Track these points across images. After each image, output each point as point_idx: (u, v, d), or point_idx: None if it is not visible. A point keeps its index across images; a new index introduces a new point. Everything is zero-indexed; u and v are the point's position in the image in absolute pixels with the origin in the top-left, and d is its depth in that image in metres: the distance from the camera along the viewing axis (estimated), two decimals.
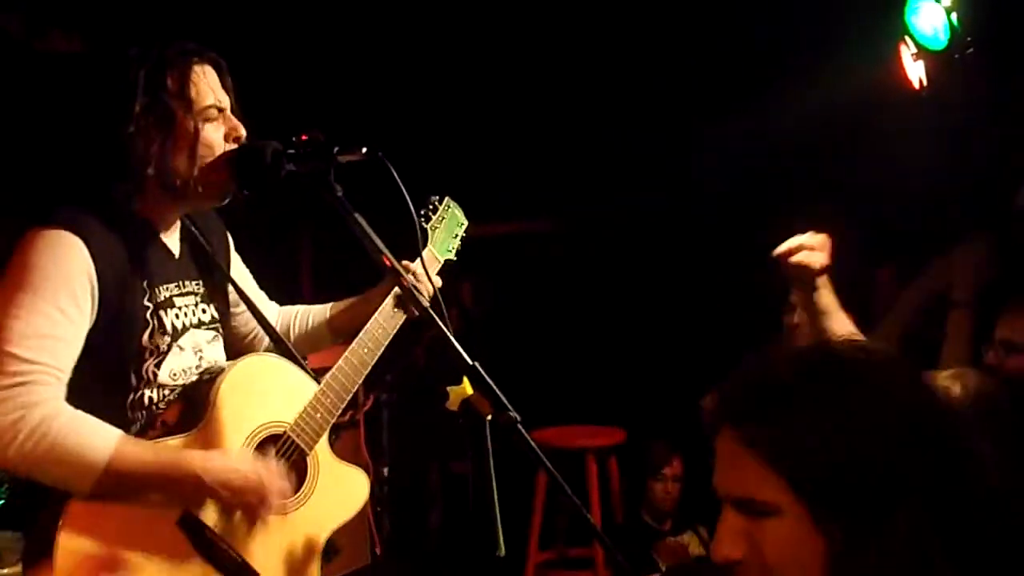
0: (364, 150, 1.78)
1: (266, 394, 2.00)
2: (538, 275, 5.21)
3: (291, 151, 1.83)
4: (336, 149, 1.78)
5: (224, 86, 1.95)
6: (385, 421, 3.94)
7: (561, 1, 4.44)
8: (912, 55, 3.51)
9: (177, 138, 1.87)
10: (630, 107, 4.66)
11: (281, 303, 2.41)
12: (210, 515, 1.88)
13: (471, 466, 4.74)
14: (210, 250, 2.10)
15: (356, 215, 1.77)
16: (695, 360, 4.41)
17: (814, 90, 3.76)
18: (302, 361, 2.13)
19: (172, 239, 2.02)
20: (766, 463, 1.12)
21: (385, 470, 3.93)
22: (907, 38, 3.51)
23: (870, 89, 3.71)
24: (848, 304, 3.72)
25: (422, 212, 2.29)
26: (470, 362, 1.69)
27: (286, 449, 1.99)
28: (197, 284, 2.04)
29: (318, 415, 2.02)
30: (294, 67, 4.33)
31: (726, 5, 4.15)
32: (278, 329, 2.31)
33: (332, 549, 2.89)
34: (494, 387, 1.66)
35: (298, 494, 2.03)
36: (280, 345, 2.18)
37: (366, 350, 2.08)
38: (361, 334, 2.09)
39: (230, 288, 2.17)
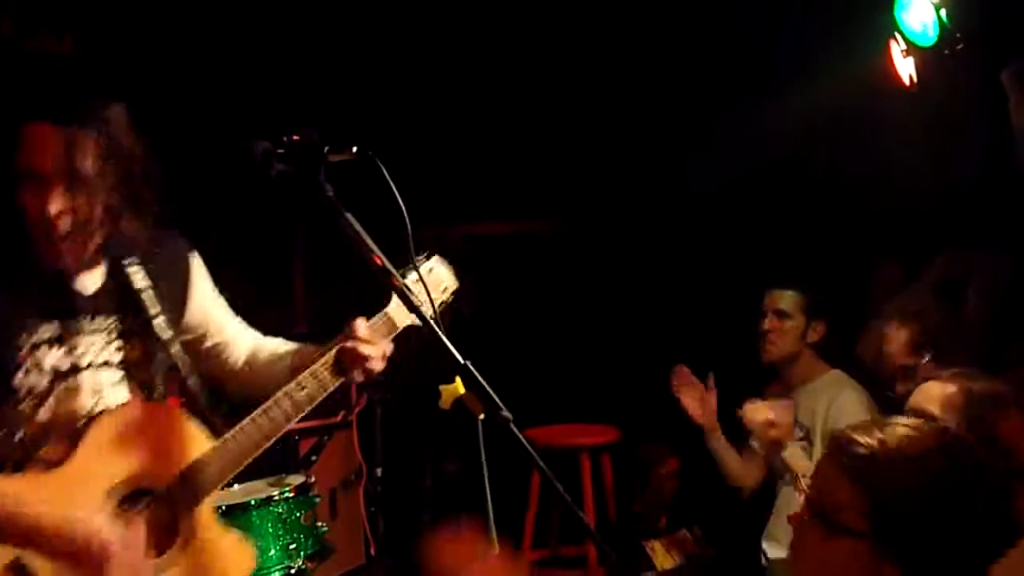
0: (355, 149, 1.76)
1: (146, 444, 1.86)
2: (532, 274, 5.20)
3: (280, 151, 1.79)
4: (327, 148, 1.76)
5: (61, 146, 1.81)
6: (378, 420, 3.93)
7: (557, 2, 4.44)
8: (902, 51, 3.51)
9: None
10: (624, 107, 4.66)
11: (275, 306, 2.35)
12: (45, 566, 1.76)
13: (464, 465, 4.75)
14: (143, 286, 1.99)
15: (347, 215, 1.76)
16: (689, 359, 4.42)
17: (805, 88, 3.77)
18: (207, 415, 2.00)
19: (86, 275, 1.94)
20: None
21: (378, 470, 3.92)
22: (897, 35, 3.51)
23: (861, 86, 3.71)
24: (850, 299, 3.75)
25: (400, 270, 2.12)
26: (462, 361, 1.68)
27: (155, 506, 1.87)
28: (112, 321, 1.95)
29: (203, 476, 1.89)
30: (292, 65, 4.32)
31: (715, 4, 4.15)
32: (244, 359, 2.22)
33: (327, 549, 2.89)
34: (486, 386, 1.65)
35: (165, 555, 1.88)
36: (193, 399, 2.05)
37: (272, 419, 1.95)
38: (280, 394, 1.97)
39: (192, 315, 2.09)
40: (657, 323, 4.74)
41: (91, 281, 1.94)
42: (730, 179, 4.37)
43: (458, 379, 1.70)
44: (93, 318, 1.92)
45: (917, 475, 1.46)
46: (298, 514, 2.77)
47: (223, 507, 2.43)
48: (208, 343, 2.19)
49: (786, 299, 3.41)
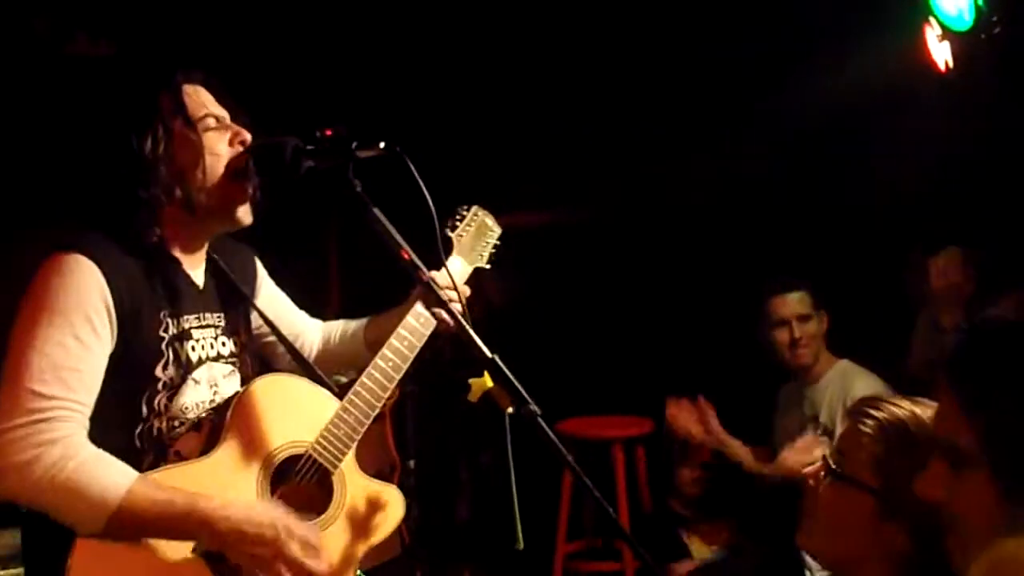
0: (382, 145, 1.77)
1: (283, 414, 1.94)
2: (563, 265, 5.19)
3: (310, 147, 1.81)
4: (355, 144, 1.78)
5: (219, 102, 1.96)
6: (410, 413, 3.95)
7: None
8: (937, 36, 3.46)
9: (183, 154, 1.88)
10: (653, 96, 4.63)
11: (310, 303, 2.40)
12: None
13: (497, 457, 4.77)
14: (234, 278, 2.07)
15: (375, 211, 1.77)
16: (722, 349, 4.40)
17: (839, 75, 3.72)
18: (326, 379, 2.09)
19: (197, 271, 2.00)
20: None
21: (411, 462, 3.94)
22: (931, 19, 3.46)
23: (896, 72, 3.66)
24: (883, 291, 3.70)
25: (448, 222, 2.27)
26: (489, 355, 1.68)
27: (307, 469, 1.94)
28: (218, 317, 2.02)
29: (341, 432, 1.96)
30: (321, 61, 4.35)
31: None
32: (319, 345, 2.33)
33: None
34: (513, 380, 1.65)
35: (324, 515, 1.96)
36: (306, 367, 2.15)
37: (391, 364, 2.03)
38: (384, 348, 2.04)
39: (256, 315, 2.16)
40: (690, 313, 4.72)
41: (199, 277, 2.01)
42: (764, 167, 4.33)
43: (486, 373, 1.70)
44: (205, 314, 1.99)
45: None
46: None
47: None
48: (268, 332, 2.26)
49: (802, 302, 3.39)
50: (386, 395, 2.03)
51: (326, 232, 5.04)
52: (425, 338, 2.07)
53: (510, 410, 1.67)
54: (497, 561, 4.31)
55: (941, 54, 3.46)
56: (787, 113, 3.95)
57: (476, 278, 2.33)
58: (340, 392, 2.05)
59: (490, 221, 2.36)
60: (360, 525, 2.00)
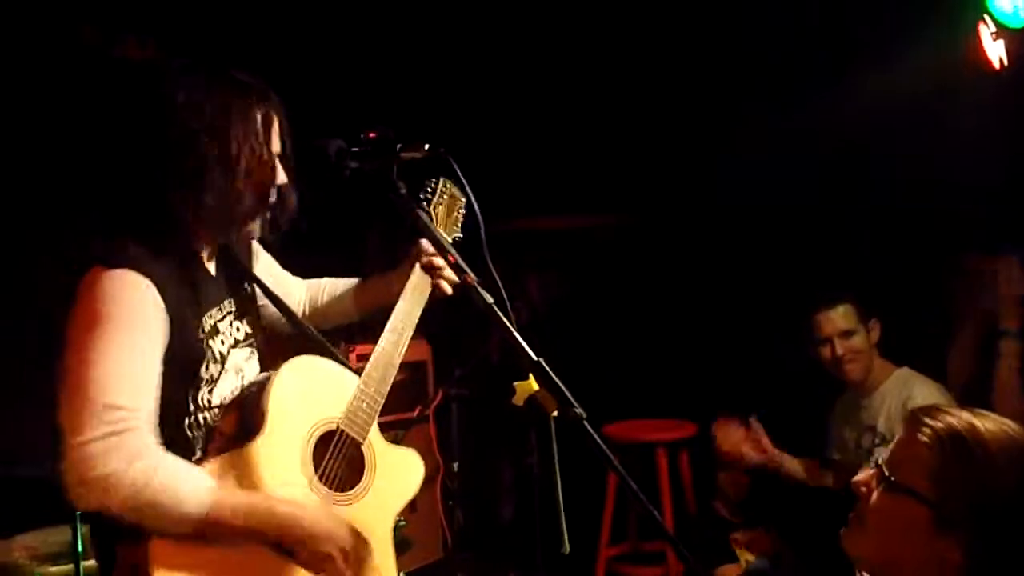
0: (427, 147, 1.77)
1: (313, 393, 2.01)
2: (606, 267, 5.17)
3: (355, 149, 1.82)
4: (399, 146, 1.77)
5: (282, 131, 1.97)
6: (455, 416, 3.95)
7: None
8: (992, 34, 3.39)
9: (254, 173, 1.89)
10: (697, 96, 4.59)
11: None
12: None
13: (541, 460, 4.76)
14: (236, 254, 2.10)
15: (420, 212, 1.76)
16: (768, 354, 4.34)
17: (892, 72, 3.66)
18: (337, 354, 2.13)
19: (212, 262, 2.03)
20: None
21: (455, 465, 3.94)
22: (986, 17, 3.39)
23: (949, 70, 3.59)
24: (931, 293, 3.64)
25: (421, 195, 2.28)
26: (534, 358, 1.66)
27: (342, 443, 2.01)
28: (230, 302, 2.04)
29: (364, 404, 2.04)
30: (353, 64, 4.37)
31: None
32: (307, 305, 2.38)
33: (405, 543, 2.92)
34: (559, 383, 1.63)
35: (359, 485, 2.04)
36: (308, 339, 2.18)
37: (396, 334, 2.10)
38: (391, 321, 2.11)
39: (256, 288, 2.17)
40: (736, 317, 4.67)
41: (213, 267, 2.03)
42: (813, 166, 4.27)
43: (532, 376, 1.69)
44: (223, 303, 2.02)
45: (996, 470, 1.45)
46: None
47: None
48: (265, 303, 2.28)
49: (846, 316, 3.30)
50: (396, 363, 2.10)
51: (367, 232, 5.05)
52: (423, 305, 2.15)
53: (555, 413, 1.66)
54: (540, 564, 4.29)
55: (996, 52, 3.39)
56: (839, 113, 3.89)
57: (521, 281, 2.32)
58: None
59: (457, 192, 2.35)
60: (391, 490, 2.09)
